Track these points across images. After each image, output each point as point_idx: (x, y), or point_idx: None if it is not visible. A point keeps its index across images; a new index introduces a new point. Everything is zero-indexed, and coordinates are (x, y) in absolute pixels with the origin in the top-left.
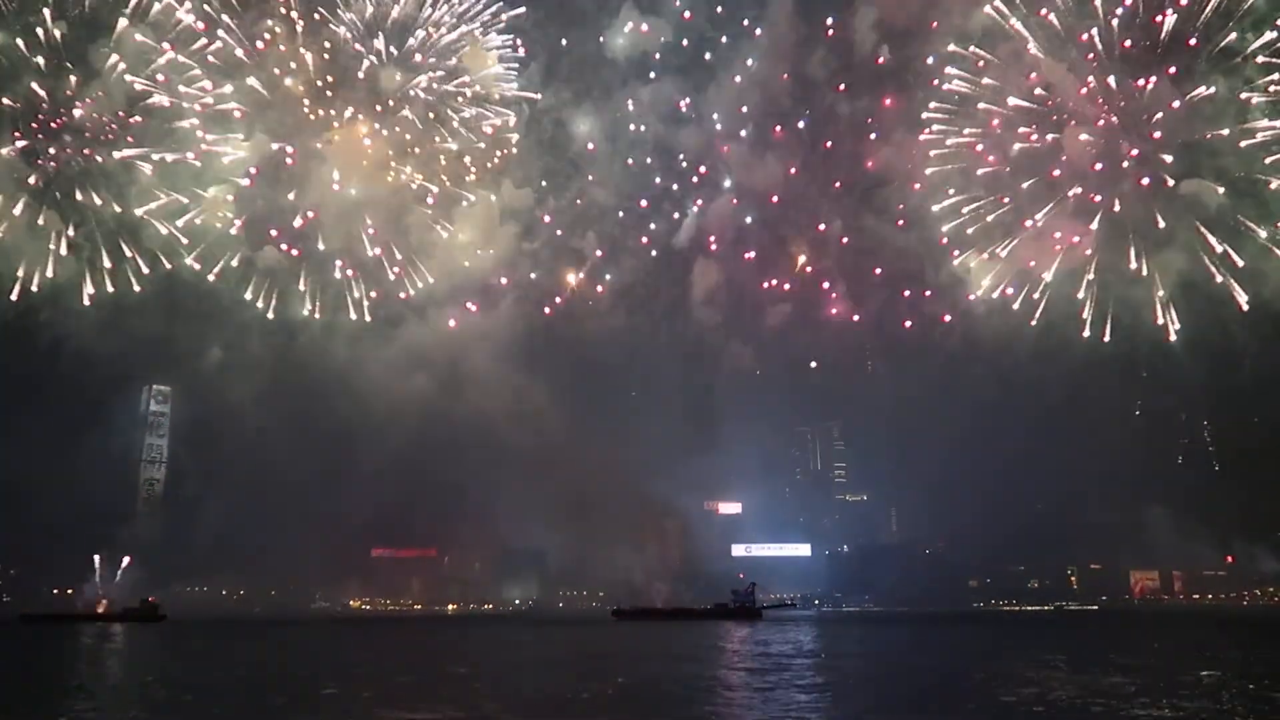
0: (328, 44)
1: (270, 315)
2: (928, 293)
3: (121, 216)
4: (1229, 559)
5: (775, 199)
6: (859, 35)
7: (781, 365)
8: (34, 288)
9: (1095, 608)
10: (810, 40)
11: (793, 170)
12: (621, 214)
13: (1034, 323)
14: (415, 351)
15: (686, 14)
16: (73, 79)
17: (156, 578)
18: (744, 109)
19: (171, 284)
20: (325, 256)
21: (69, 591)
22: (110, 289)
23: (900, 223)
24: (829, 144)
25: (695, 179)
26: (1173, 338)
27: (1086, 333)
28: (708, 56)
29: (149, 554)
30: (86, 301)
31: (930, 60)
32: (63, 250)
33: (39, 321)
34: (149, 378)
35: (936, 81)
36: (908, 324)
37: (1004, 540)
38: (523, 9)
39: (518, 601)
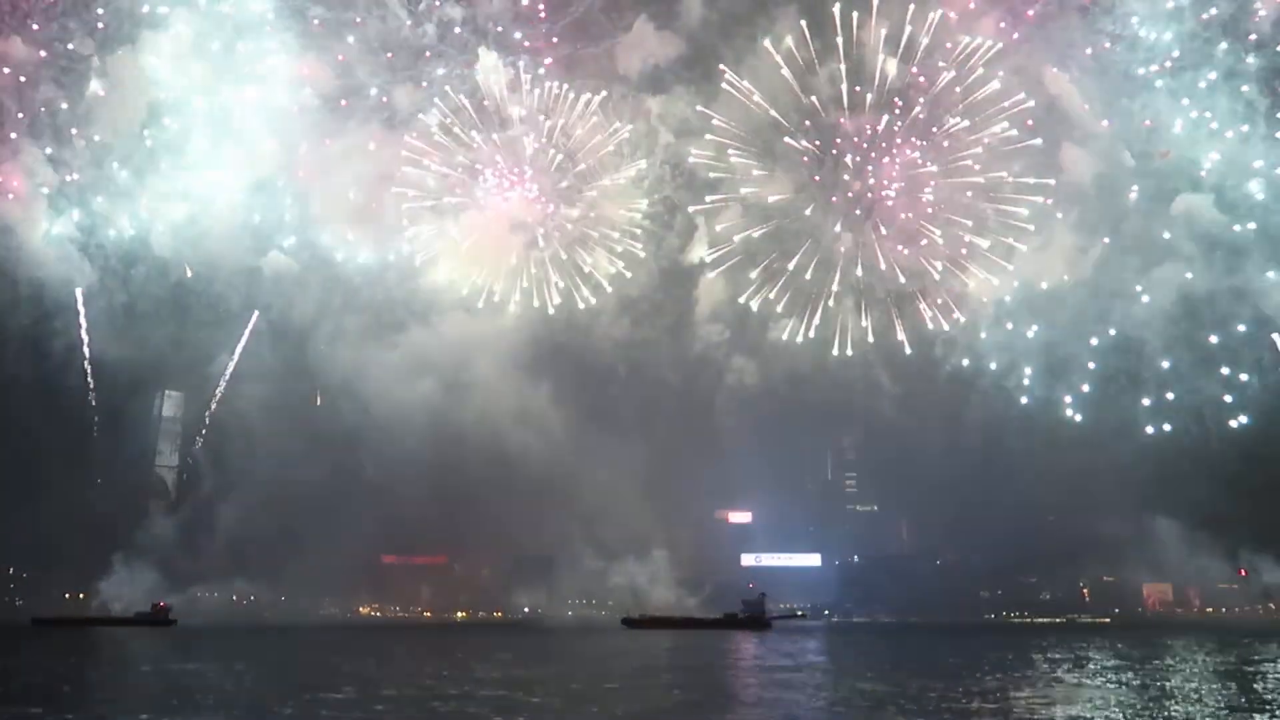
0: (341, 56)
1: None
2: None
3: (135, 225)
4: (1242, 572)
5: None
6: (869, 50)
7: (787, 379)
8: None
9: (1108, 620)
10: (819, 56)
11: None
12: (630, 227)
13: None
14: (420, 357)
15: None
16: (92, 87)
17: (167, 582)
18: (751, 124)
19: (182, 291)
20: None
21: (81, 595)
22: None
23: (901, 248)
24: (834, 165)
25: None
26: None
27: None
28: (722, 68)
29: (160, 559)
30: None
31: (936, 78)
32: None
33: (54, 328)
34: (162, 383)
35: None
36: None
37: (1015, 552)
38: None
39: (527, 609)
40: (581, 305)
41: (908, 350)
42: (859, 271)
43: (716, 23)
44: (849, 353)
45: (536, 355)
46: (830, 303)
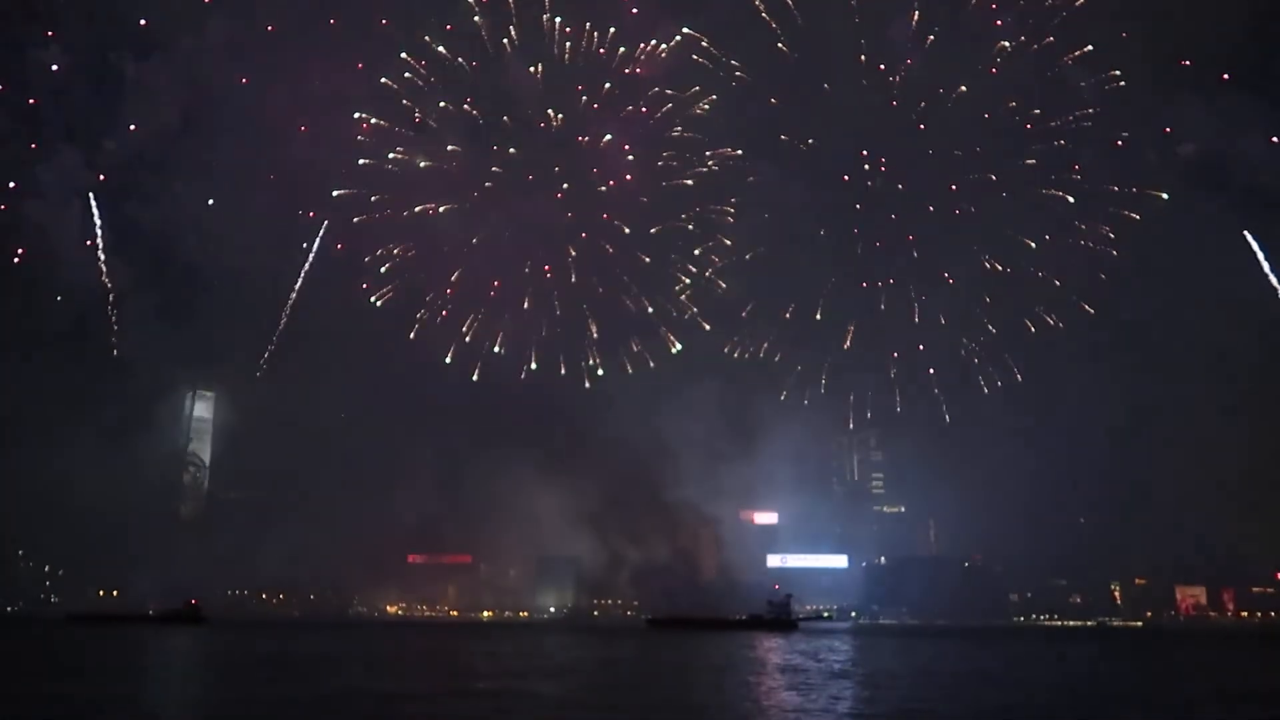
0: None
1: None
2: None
3: (166, 229)
4: (1278, 575)
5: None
6: (896, 58)
7: (814, 390)
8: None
9: (1140, 624)
10: (844, 67)
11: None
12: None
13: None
14: (441, 359)
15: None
16: (127, 92)
17: (199, 580)
18: (774, 133)
19: (212, 293)
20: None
21: (114, 592)
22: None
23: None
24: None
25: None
26: None
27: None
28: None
29: (191, 557)
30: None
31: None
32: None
33: (88, 330)
34: (194, 382)
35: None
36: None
37: (1045, 553)
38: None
39: (553, 609)
40: (631, 370)
41: (947, 420)
42: (882, 305)
43: (744, 28)
44: (869, 415)
45: (558, 358)
46: (848, 344)
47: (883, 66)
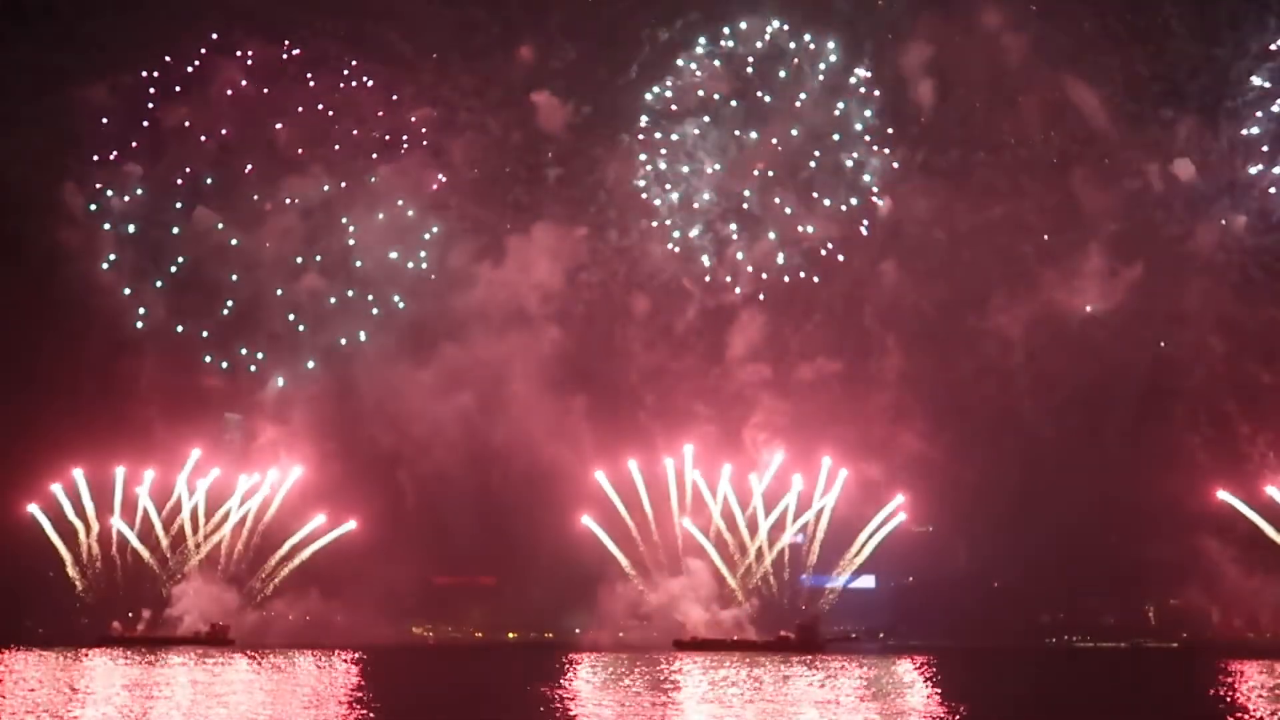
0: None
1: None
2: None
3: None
4: None
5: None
6: (909, 81)
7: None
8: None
9: (1176, 645)
10: (856, 87)
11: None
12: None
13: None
14: (453, 375)
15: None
16: (160, 120)
17: (227, 603)
18: (788, 158)
19: (233, 314)
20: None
21: (146, 614)
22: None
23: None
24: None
25: (739, 227)
26: None
27: None
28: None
29: (222, 580)
30: None
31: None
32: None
33: (119, 355)
34: (225, 407)
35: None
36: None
37: (1077, 574)
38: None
39: (578, 630)
40: None
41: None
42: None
43: (763, 55)
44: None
45: (567, 376)
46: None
47: None
